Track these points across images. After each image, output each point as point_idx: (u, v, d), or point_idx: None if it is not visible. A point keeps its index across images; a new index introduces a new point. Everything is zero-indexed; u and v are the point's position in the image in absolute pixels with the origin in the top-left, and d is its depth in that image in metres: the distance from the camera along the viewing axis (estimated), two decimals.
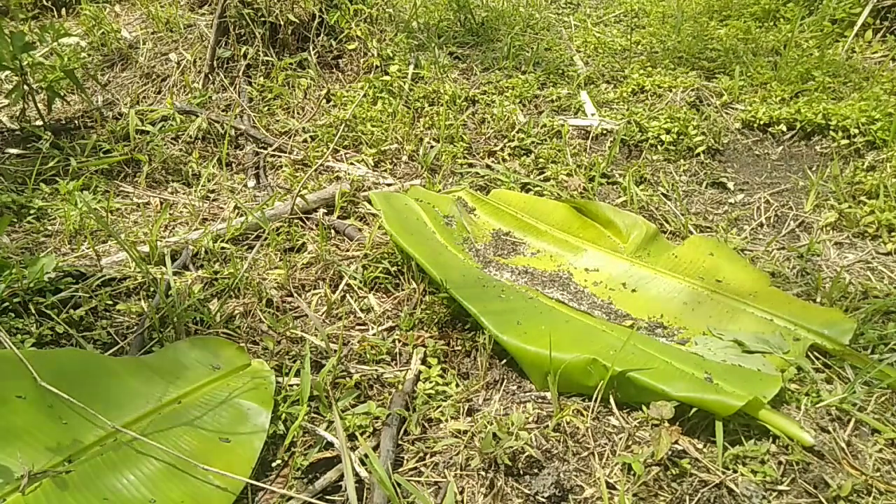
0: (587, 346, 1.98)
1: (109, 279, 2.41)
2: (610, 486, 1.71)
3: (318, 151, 3.36)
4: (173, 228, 2.86)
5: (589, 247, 2.61)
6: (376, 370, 2.10)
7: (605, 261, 2.54)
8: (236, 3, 3.90)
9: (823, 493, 1.67)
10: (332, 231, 2.85)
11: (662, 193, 3.08)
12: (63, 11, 4.80)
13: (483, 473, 1.74)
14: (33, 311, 2.19)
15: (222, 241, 2.66)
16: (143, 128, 3.40)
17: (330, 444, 1.82)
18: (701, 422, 1.84)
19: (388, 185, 3.13)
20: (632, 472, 1.72)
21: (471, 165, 3.29)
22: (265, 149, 3.45)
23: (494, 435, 1.74)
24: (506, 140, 3.44)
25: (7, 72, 3.31)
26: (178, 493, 1.59)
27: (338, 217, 2.92)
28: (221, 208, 3.02)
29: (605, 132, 3.49)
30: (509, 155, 3.35)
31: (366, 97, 3.69)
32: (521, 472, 1.73)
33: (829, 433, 1.83)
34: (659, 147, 3.38)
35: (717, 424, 1.78)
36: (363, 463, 1.77)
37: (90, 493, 1.53)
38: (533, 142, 3.40)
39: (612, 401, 1.92)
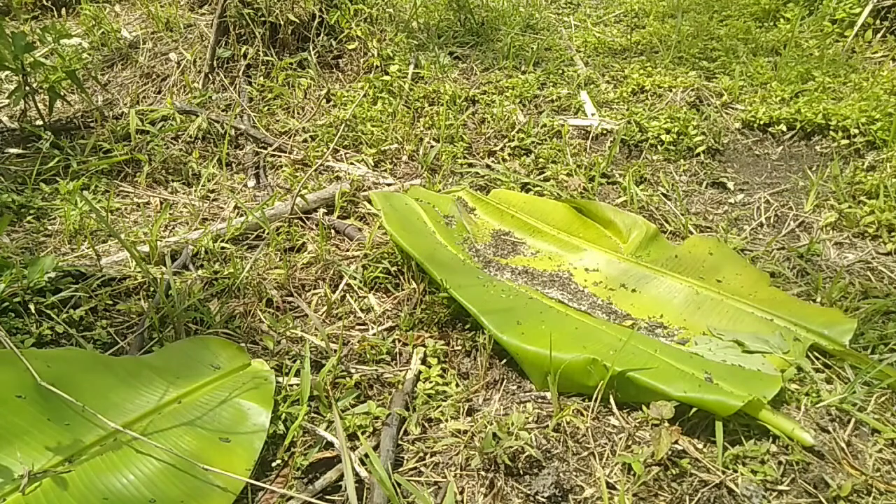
0: (587, 345, 1.98)
1: (109, 279, 2.41)
2: (610, 486, 1.71)
3: (318, 151, 3.36)
4: (173, 228, 2.86)
5: (589, 247, 2.61)
6: (376, 370, 2.10)
7: (605, 261, 2.54)
8: (236, 2, 3.90)
9: (823, 493, 1.67)
10: (332, 231, 2.85)
11: (662, 193, 3.08)
12: (63, 11, 4.80)
13: (483, 473, 1.74)
14: (33, 311, 2.19)
15: (222, 241, 2.66)
16: (144, 128, 3.40)
17: (330, 444, 1.83)
18: (701, 422, 1.85)
19: (388, 184, 3.13)
20: (632, 472, 1.72)
21: (471, 165, 3.29)
22: (265, 149, 3.45)
23: (494, 435, 1.74)
24: (506, 140, 3.44)
25: (7, 72, 3.30)
26: (178, 493, 1.59)
27: (338, 217, 2.92)
28: (221, 208, 3.02)
29: (605, 132, 3.49)
30: (509, 155, 3.35)
31: (366, 97, 3.69)
32: (521, 472, 1.73)
33: (829, 433, 1.83)
34: (659, 147, 3.38)
35: (717, 424, 1.78)
36: (363, 463, 1.77)
37: (90, 493, 1.53)
38: (533, 142, 3.40)
39: (612, 401, 1.92)
